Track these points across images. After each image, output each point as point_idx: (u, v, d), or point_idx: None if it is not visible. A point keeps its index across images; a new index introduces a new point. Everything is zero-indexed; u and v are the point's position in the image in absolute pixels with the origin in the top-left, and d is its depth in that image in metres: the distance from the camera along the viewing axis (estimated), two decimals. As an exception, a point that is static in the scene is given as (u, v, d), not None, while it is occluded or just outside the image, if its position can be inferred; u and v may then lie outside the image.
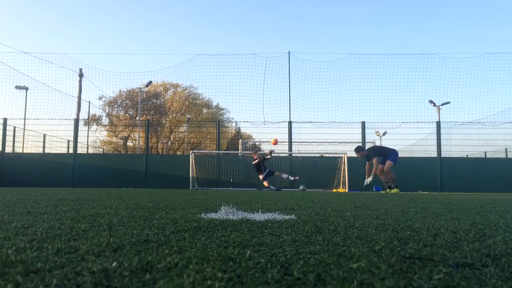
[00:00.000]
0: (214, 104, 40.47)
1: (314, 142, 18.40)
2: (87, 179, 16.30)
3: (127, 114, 37.09)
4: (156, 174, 16.66)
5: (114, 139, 33.22)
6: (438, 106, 21.36)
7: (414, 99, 25.58)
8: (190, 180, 16.00)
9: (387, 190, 12.15)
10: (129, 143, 31.97)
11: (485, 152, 18.81)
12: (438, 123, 17.41)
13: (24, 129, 19.10)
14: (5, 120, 17.65)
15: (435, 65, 20.03)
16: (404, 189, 15.61)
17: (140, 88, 28.19)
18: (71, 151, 18.40)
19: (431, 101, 21.56)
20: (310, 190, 14.11)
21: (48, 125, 18.78)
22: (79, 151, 17.98)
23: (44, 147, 19.56)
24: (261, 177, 14.57)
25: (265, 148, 21.22)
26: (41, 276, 0.78)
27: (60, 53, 26.34)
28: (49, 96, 22.02)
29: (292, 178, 14.49)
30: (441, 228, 1.79)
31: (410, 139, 17.86)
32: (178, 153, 29.20)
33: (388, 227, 1.82)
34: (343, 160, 15.91)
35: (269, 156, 14.61)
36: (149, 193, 6.98)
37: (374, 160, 11.92)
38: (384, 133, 20.42)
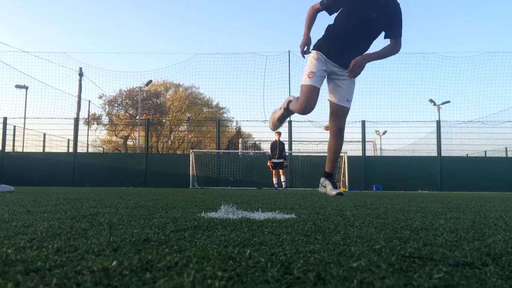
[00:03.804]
0: (214, 103, 40.46)
1: (314, 141, 18.41)
2: (87, 178, 16.30)
3: (127, 113, 37.09)
4: (156, 173, 16.67)
5: (114, 138, 33.24)
6: (438, 105, 21.38)
7: (414, 98, 25.60)
8: (190, 179, 16.01)
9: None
10: (129, 142, 31.99)
11: (485, 151, 18.83)
12: (438, 122, 17.40)
13: (24, 128, 19.12)
14: (5, 119, 17.64)
15: (435, 64, 20.03)
16: (404, 188, 15.61)
17: (140, 87, 28.19)
18: (71, 150, 18.41)
19: (431, 100, 21.58)
20: (310, 189, 14.12)
21: (48, 124, 18.81)
22: (79, 150, 17.99)
23: (44, 146, 19.57)
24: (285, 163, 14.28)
25: (264, 147, 21.23)
26: (41, 275, 0.78)
27: (60, 52, 26.29)
28: (49, 95, 22.04)
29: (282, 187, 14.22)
30: (441, 227, 1.79)
31: (410, 138, 17.89)
32: (178, 152, 29.19)
33: (388, 226, 1.82)
34: (343, 159, 15.90)
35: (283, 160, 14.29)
36: (149, 192, 6.98)
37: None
38: (384, 132, 20.44)
